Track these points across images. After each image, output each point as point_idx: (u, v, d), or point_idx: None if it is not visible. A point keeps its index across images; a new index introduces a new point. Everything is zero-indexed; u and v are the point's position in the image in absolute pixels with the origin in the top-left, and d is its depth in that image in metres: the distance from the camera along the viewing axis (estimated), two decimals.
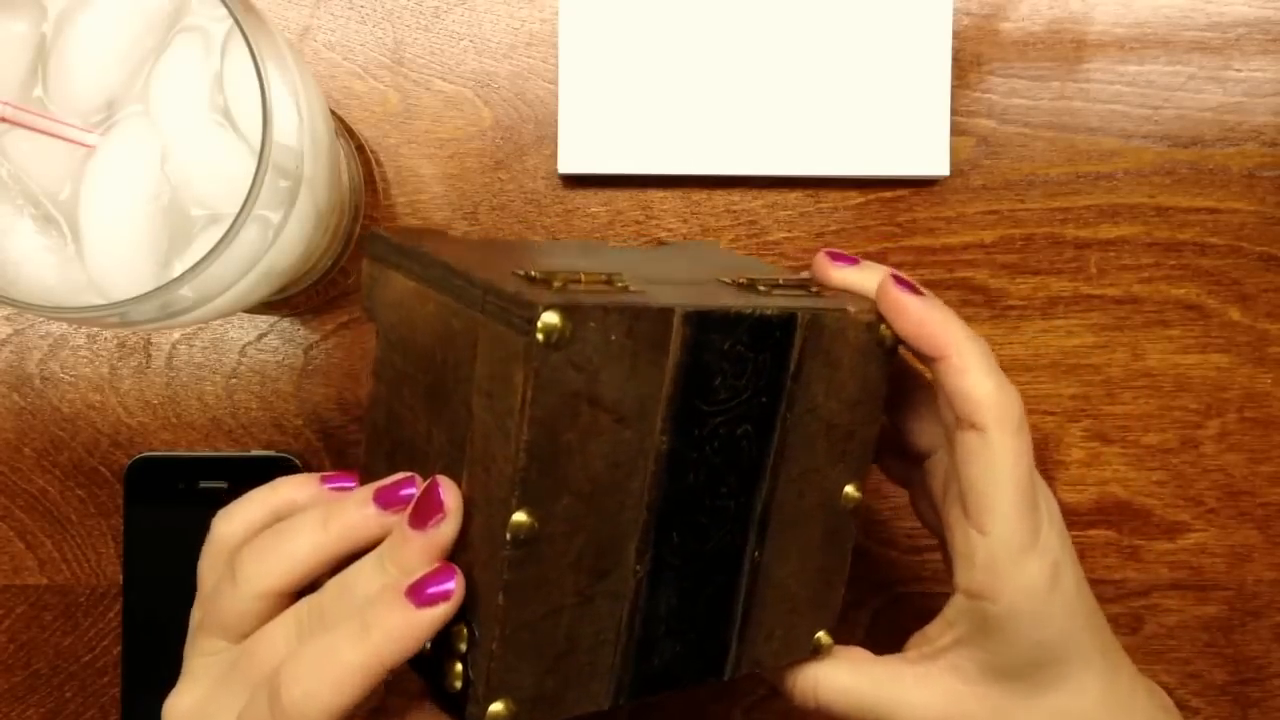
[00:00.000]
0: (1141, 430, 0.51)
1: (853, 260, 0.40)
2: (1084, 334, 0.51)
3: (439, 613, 0.32)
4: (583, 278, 0.34)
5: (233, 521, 0.37)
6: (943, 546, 0.40)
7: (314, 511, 0.35)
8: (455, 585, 0.32)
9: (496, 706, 0.32)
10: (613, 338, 0.32)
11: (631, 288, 0.34)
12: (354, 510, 0.34)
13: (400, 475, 0.34)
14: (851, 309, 0.37)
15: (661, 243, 0.47)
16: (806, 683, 0.40)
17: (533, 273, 0.33)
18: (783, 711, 0.52)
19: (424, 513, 0.33)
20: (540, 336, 0.30)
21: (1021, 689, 0.38)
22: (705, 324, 0.34)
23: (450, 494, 0.32)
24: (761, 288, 0.37)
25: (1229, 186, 0.51)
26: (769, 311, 0.35)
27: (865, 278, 0.39)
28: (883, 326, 0.38)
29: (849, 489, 0.39)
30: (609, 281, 0.34)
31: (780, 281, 0.39)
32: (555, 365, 0.31)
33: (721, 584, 0.37)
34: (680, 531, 0.35)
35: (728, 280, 0.38)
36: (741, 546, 0.37)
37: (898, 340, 0.38)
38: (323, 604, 0.34)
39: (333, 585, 0.34)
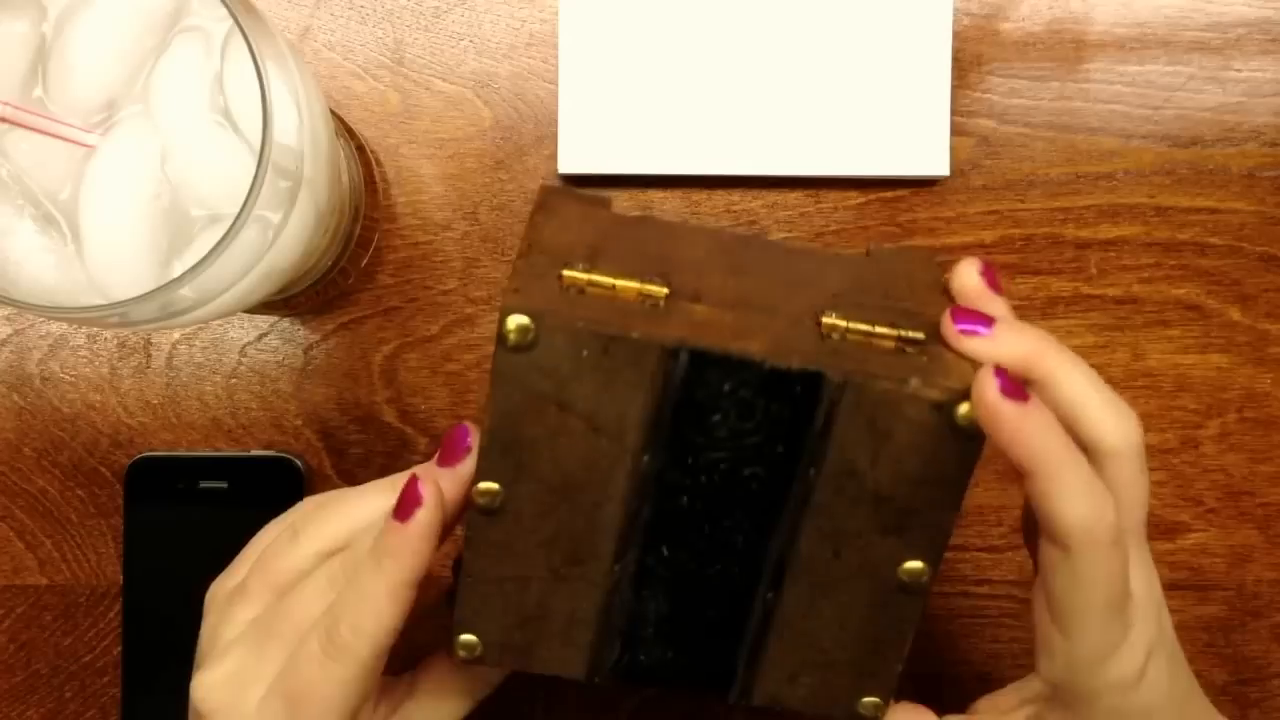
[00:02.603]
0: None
1: (979, 324, 0.34)
2: (1084, 334, 0.51)
3: (421, 518, 0.34)
4: (615, 285, 0.33)
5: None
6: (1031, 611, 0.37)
7: (386, 479, 0.38)
8: (425, 492, 0.34)
9: (467, 637, 0.37)
10: (584, 354, 0.32)
11: (663, 304, 0.33)
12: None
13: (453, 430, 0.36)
14: (913, 384, 0.33)
15: (867, 253, 0.40)
16: None
17: (578, 266, 0.33)
18: (784, 713, 0.52)
19: (450, 453, 0.35)
20: (505, 338, 0.32)
21: None
22: (699, 362, 0.33)
23: (474, 436, 0.35)
24: (849, 335, 0.34)
25: (1229, 186, 0.51)
26: (784, 365, 0.33)
27: (986, 350, 0.34)
28: (961, 410, 0.33)
29: (909, 565, 0.35)
30: (642, 295, 0.33)
31: (893, 335, 0.34)
32: (519, 366, 0.32)
33: (725, 611, 0.37)
34: (672, 547, 0.36)
35: (817, 319, 0.35)
36: (751, 583, 0.36)
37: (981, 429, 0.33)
38: (356, 554, 0.36)
39: (363, 535, 0.36)
